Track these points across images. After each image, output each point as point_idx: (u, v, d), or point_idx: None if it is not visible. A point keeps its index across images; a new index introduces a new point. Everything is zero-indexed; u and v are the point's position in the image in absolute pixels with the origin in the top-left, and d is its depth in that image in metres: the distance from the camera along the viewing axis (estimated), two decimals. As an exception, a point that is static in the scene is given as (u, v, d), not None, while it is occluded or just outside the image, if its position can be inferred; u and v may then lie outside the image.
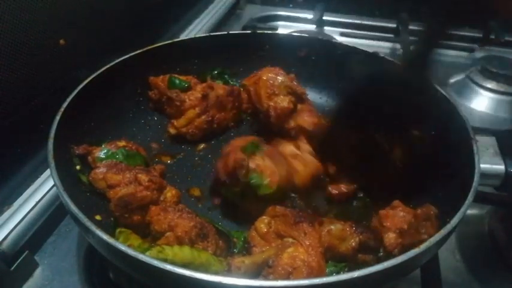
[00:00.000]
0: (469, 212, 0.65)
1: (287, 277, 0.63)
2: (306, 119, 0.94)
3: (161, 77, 1.03)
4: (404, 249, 0.70)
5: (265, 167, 0.78)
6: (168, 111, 1.02)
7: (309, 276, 0.63)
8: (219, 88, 1.01)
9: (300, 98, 0.98)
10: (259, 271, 0.65)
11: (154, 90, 1.03)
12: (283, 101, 0.94)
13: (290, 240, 0.69)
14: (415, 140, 0.85)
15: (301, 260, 0.65)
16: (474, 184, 0.67)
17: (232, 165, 0.78)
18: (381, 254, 0.72)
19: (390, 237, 0.70)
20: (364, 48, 1.08)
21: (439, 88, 0.90)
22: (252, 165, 0.78)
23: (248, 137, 0.92)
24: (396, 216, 0.73)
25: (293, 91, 0.96)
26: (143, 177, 0.76)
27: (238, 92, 1.02)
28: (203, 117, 0.98)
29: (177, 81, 1.01)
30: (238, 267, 0.64)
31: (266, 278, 0.64)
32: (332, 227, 0.72)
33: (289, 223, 0.71)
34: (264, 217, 0.73)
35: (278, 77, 0.97)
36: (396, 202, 0.77)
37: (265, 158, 0.80)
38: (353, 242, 0.71)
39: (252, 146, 0.82)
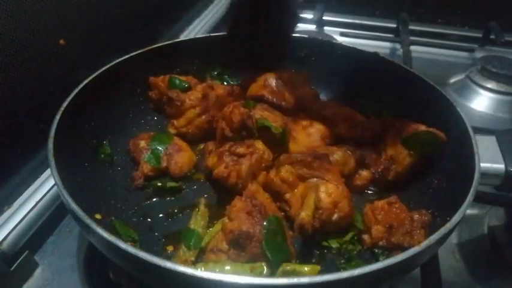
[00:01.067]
0: (469, 212, 0.65)
1: (333, 212, 0.73)
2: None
3: (161, 77, 1.03)
4: (390, 246, 0.73)
5: (268, 115, 0.88)
6: (168, 111, 1.02)
7: (350, 205, 0.75)
8: (219, 88, 1.01)
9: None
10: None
11: (154, 91, 1.03)
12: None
13: (315, 179, 0.77)
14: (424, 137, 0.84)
15: (337, 195, 0.74)
16: (474, 184, 0.67)
17: (239, 119, 0.87)
18: (366, 239, 0.77)
19: (379, 230, 0.75)
20: (364, 48, 1.08)
21: (439, 88, 0.90)
22: (257, 115, 0.87)
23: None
24: (390, 212, 0.75)
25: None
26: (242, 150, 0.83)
27: (238, 91, 1.02)
28: (203, 117, 0.98)
29: (177, 82, 1.01)
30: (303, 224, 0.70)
31: (320, 218, 0.72)
32: (336, 156, 0.83)
33: (309, 165, 0.78)
34: (284, 166, 0.80)
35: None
36: (394, 198, 0.78)
37: (264, 111, 0.88)
38: (352, 162, 0.85)
39: (251, 103, 0.89)
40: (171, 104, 1.00)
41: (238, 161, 0.82)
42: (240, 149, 0.82)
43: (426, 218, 0.73)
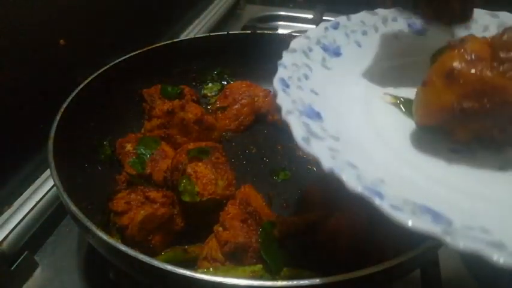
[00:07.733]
0: (469, 212, 0.65)
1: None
2: None
3: (153, 87, 1.00)
4: None
5: (203, 176, 0.73)
6: (146, 112, 0.98)
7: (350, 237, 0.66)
8: (190, 112, 0.92)
9: None
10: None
11: (147, 102, 0.98)
12: None
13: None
14: None
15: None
16: (474, 184, 0.67)
17: (172, 165, 0.78)
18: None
19: None
20: (364, 48, 1.07)
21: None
22: (189, 170, 0.73)
23: (208, 142, 0.87)
24: None
25: None
26: (156, 195, 0.72)
27: (209, 124, 0.95)
28: (161, 131, 0.93)
29: (169, 89, 0.97)
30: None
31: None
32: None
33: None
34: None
35: None
36: None
37: (209, 167, 0.74)
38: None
39: (198, 151, 0.77)
40: (146, 105, 0.97)
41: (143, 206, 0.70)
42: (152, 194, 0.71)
43: None
